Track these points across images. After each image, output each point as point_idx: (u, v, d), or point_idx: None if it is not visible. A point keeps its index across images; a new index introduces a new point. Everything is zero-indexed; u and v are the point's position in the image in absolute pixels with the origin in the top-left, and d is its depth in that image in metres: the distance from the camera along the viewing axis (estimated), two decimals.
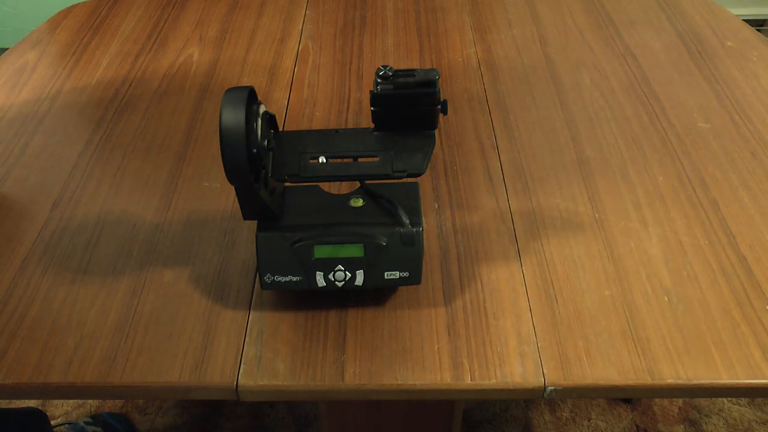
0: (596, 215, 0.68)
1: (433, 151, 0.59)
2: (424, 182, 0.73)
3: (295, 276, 0.56)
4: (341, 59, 0.94)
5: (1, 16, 2.11)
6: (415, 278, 0.57)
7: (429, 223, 0.67)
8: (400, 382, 0.54)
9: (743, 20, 1.02)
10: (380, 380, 0.54)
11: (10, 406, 0.94)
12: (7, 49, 1.01)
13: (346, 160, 0.56)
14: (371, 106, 0.58)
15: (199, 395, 0.56)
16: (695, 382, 0.53)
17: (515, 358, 0.55)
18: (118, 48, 0.98)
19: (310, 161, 0.56)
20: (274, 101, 0.86)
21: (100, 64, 0.95)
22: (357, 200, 0.58)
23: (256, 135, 0.52)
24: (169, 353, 0.56)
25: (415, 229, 0.55)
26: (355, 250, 0.56)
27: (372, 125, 0.59)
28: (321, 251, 0.56)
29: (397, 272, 0.56)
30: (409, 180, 0.58)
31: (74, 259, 0.65)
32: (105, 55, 0.97)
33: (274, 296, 0.61)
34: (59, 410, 1.25)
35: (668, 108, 0.83)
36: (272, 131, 0.57)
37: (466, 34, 1.00)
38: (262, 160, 0.53)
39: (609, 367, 0.54)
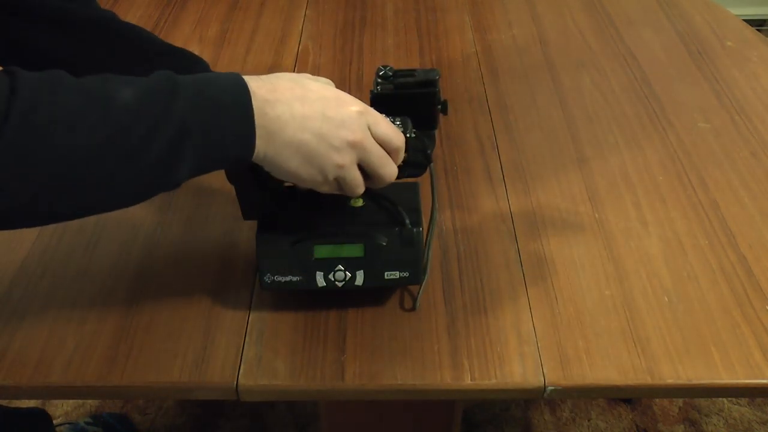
0: (596, 215, 0.68)
1: (434, 151, 0.59)
2: (425, 182, 0.73)
3: (295, 276, 0.56)
4: (341, 59, 0.94)
5: None
6: (415, 278, 0.57)
7: (427, 217, 0.67)
8: (400, 382, 0.54)
9: (743, 20, 1.02)
10: (380, 380, 0.54)
11: (11, 406, 0.94)
12: None
13: None
14: (371, 106, 0.58)
15: (199, 395, 0.56)
16: (695, 382, 0.53)
17: (515, 358, 0.55)
18: None
19: None
20: None
21: None
22: (357, 200, 0.58)
23: None
24: (169, 353, 0.56)
25: (415, 229, 0.55)
26: (355, 250, 0.56)
27: None
28: (321, 251, 0.56)
29: (397, 272, 0.56)
30: (410, 180, 0.58)
31: (74, 259, 0.65)
32: None
33: (274, 296, 0.61)
34: (59, 410, 1.25)
35: (668, 108, 0.83)
36: None
37: (466, 34, 1.00)
38: None
39: (609, 367, 0.54)
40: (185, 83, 0.44)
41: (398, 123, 0.54)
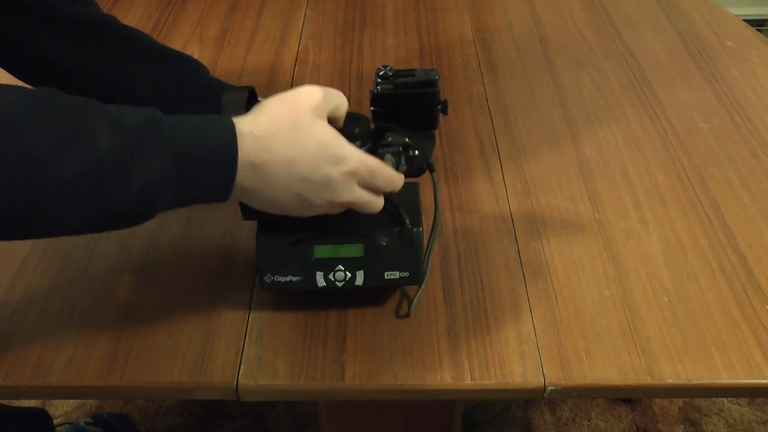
0: (596, 215, 0.68)
1: (434, 151, 0.59)
2: (425, 182, 0.73)
3: (295, 276, 0.56)
4: (341, 59, 0.94)
5: None
6: (415, 278, 0.57)
7: (429, 223, 0.67)
8: (400, 382, 0.54)
9: (743, 20, 1.02)
10: (380, 380, 0.54)
11: (11, 406, 0.94)
12: None
13: None
14: (371, 106, 0.58)
15: (199, 395, 0.56)
16: (695, 382, 0.53)
17: (515, 358, 0.55)
18: None
19: None
20: None
21: None
22: None
23: None
24: (169, 353, 0.56)
25: (415, 229, 0.55)
26: (355, 250, 0.56)
27: (372, 125, 0.59)
28: (321, 251, 0.56)
29: (397, 272, 0.56)
30: (410, 180, 0.58)
31: (74, 259, 0.65)
32: None
33: (274, 296, 0.61)
34: (59, 410, 1.25)
35: (668, 108, 0.83)
36: None
37: (466, 34, 1.00)
38: None
39: (609, 367, 0.54)
40: (170, 134, 0.43)
41: (390, 155, 0.53)
